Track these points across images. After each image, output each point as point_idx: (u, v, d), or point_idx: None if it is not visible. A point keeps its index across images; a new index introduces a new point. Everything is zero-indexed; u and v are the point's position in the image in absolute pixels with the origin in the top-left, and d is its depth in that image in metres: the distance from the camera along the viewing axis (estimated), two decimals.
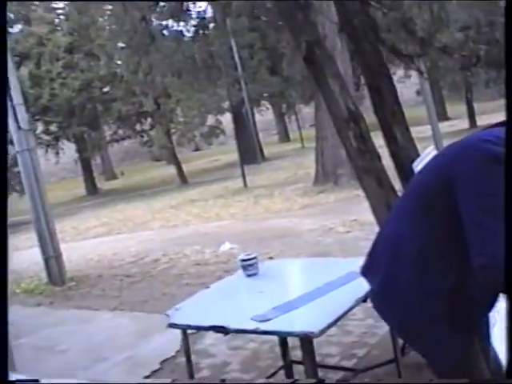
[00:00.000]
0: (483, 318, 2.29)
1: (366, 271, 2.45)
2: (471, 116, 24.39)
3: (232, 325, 2.72)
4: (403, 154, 3.66)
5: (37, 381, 1.69)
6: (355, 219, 9.58)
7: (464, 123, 24.67)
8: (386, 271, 2.26)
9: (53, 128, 26.87)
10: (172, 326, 2.93)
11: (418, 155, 3.71)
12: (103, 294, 7.61)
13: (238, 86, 22.08)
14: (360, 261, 3.55)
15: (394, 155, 3.71)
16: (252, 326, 2.67)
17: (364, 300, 2.83)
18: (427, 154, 3.85)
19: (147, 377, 4.64)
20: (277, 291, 3.14)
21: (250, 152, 26.08)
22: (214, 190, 19.26)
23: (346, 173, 14.12)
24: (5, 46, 1.66)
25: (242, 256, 3.54)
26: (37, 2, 25.78)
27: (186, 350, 3.09)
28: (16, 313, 7.52)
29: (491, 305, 2.25)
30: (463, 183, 2.00)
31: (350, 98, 3.47)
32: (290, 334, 2.63)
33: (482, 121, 23.87)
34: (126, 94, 23.15)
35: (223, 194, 17.69)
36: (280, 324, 2.64)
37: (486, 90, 24.86)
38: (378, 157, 3.59)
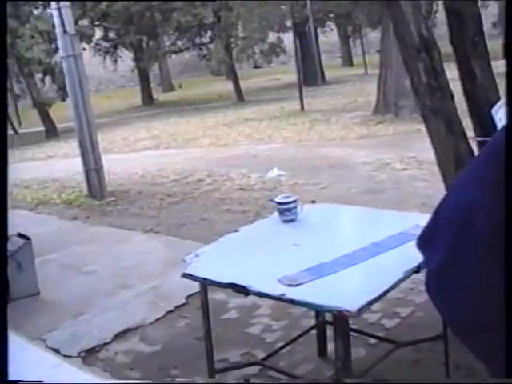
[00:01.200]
0: None
1: (423, 244, 1.94)
2: None
3: (255, 285, 2.28)
4: (481, 94, 3.07)
5: (40, 382, 1.70)
6: (414, 156, 8.97)
7: None
8: (448, 248, 1.76)
9: (111, 35, 26.44)
10: (187, 276, 2.51)
11: (499, 98, 3.12)
12: (141, 213, 7.32)
13: (303, 2, 21.05)
14: (417, 217, 3.08)
15: (469, 95, 3.12)
16: (278, 290, 2.22)
17: (416, 271, 2.35)
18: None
19: (170, 311, 4.32)
20: (314, 246, 2.67)
21: (311, 74, 25.26)
22: (269, 110, 18.70)
23: (408, 104, 13.35)
24: (5, 43, 1.68)
25: (279, 198, 3.07)
26: None
27: (204, 304, 2.68)
28: (52, 224, 7.34)
29: None
30: None
31: (423, 22, 2.88)
32: (322, 307, 2.17)
33: None
34: (186, 4, 22.38)
35: (278, 115, 17.12)
36: (311, 292, 2.18)
37: None
38: (452, 96, 3.01)
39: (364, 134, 12.23)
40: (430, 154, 8.71)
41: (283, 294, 2.18)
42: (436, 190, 7.08)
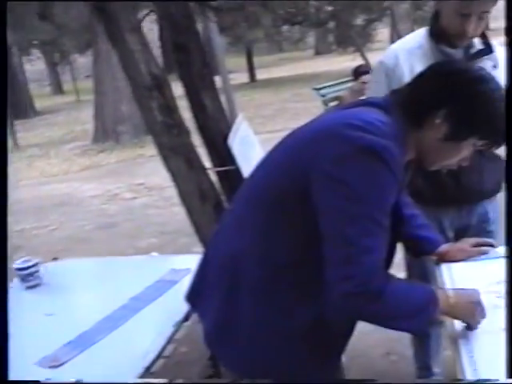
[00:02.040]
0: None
1: (193, 300, 1.86)
2: (251, 70, 24.41)
3: (10, 375, 1.97)
4: (213, 125, 3.09)
5: (37, 382, 1.70)
6: (142, 183, 8.96)
7: (243, 77, 24.70)
8: (221, 303, 1.68)
9: None
10: None
11: (230, 128, 3.17)
12: None
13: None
14: (170, 260, 2.98)
15: (202, 128, 3.12)
16: (39, 376, 1.95)
17: (185, 320, 2.25)
18: (239, 125, 3.34)
19: None
20: (69, 313, 2.42)
21: (21, 105, 24.06)
22: None
23: (127, 130, 13.40)
24: (5, 44, 1.63)
25: (19, 263, 2.75)
26: None
27: None
28: None
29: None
30: (327, 184, 1.47)
31: (153, 61, 2.79)
32: None
33: (261, 74, 24.13)
34: None
35: None
36: (80, 370, 1.94)
37: (264, 44, 25.12)
38: (187, 132, 2.97)
39: (87, 165, 11.90)
40: (156, 179, 8.78)
41: (48, 379, 1.92)
42: (169, 215, 7.14)
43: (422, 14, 18.64)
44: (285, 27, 24.90)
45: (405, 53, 2.39)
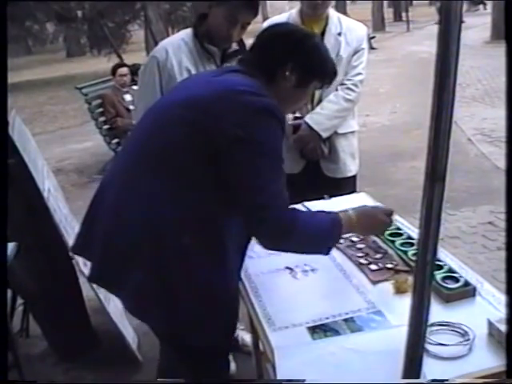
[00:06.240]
0: None
1: (81, 251, 2.07)
2: None
3: None
4: None
5: (34, 381, 1.87)
6: None
7: None
8: (148, 270, 1.79)
9: None
10: None
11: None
12: None
13: None
14: None
15: None
16: None
17: None
18: (14, 119, 3.34)
19: None
20: None
21: None
22: None
23: None
24: (5, 44, 1.64)
25: None
26: None
27: None
28: None
29: None
30: (237, 146, 1.71)
31: None
32: None
33: (11, 78, 22.89)
34: None
35: None
36: None
37: (13, 46, 23.94)
38: None
39: None
40: None
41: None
42: None
43: (174, 17, 19.20)
44: (35, 27, 24.02)
45: (173, 48, 2.70)
